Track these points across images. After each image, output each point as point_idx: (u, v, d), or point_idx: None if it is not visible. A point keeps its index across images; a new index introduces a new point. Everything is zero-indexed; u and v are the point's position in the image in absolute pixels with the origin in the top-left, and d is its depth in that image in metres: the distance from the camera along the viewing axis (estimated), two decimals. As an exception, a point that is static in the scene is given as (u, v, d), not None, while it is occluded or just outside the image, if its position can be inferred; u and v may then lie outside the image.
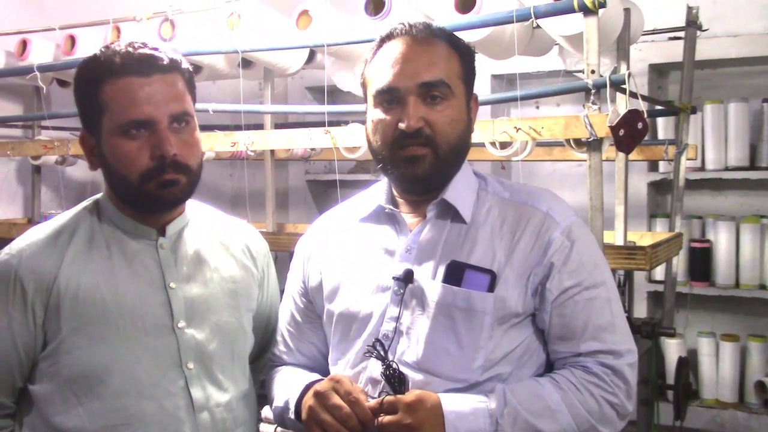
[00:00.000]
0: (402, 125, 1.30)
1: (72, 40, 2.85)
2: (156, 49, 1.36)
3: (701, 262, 3.30)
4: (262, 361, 1.59)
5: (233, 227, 1.57)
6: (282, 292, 1.60)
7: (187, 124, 1.36)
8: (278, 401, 1.43)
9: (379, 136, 1.34)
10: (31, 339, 1.32)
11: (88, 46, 2.82)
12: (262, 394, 1.57)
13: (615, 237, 2.08)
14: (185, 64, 1.40)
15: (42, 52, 2.95)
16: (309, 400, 1.32)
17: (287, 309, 1.54)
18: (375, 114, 1.35)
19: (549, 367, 1.37)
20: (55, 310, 1.32)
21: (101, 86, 1.32)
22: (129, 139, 1.32)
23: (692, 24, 2.70)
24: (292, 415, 1.38)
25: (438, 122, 1.31)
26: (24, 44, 2.95)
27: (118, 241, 1.39)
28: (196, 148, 1.38)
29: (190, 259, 1.43)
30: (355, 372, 1.36)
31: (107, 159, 1.35)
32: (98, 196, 1.45)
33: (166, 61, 1.35)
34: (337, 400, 1.27)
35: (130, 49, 1.34)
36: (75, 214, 1.43)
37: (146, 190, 1.33)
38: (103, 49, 1.36)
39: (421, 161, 1.31)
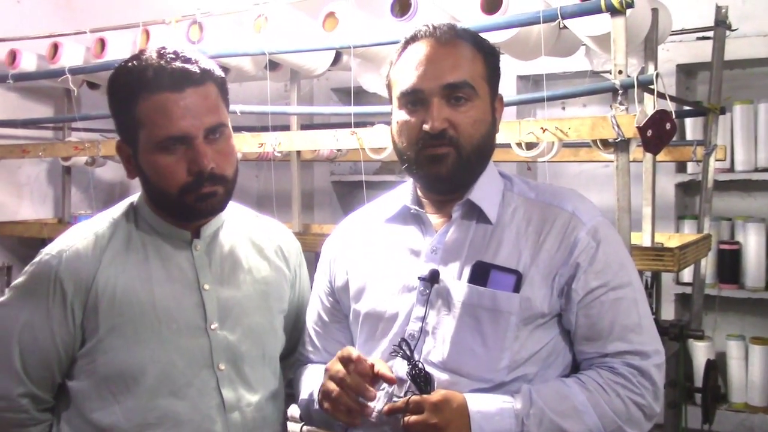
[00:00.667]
0: (426, 126, 1.31)
1: (102, 43, 2.89)
2: (188, 59, 1.35)
3: (730, 264, 3.26)
4: (291, 359, 1.60)
5: (267, 228, 1.59)
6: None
7: (222, 134, 1.37)
8: (304, 394, 1.45)
9: (404, 138, 1.35)
10: (70, 337, 1.36)
11: (118, 48, 2.86)
12: (290, 393, 1.58)
13: (642, 238, 2.07)
14: (217, 71, 1.40)
15: (73, 55, 2.99)
16: (325, 383, 1.34)
17: (314, 309, 1.55)
18: (400, 116, 1.36)
19: (575, 367, 1.37)
20: (93, 311, 1.35)
21: (136, 101, 1.33)
22: (166, 154, 1.33)
23: (721, 23, 2.66)
24: (316, 405, 1.39)
25: (462, 123, 1.32)
26: (55, 47, 3.00)
27: (154, 243, 1.41)
28: (232, 156, 1.40)
29: (224, 261, 1.46)
30: None
31: (145, 171, 1.38)
32: (134, 198, 1.48)
33: (198, 73, 1.34)
34: (338, 365, 1.29)
35: (163, 62, 1.33)
36: (112, 216, 1.46)
37: (185, 203, 1.36)
38: (135, 62, 1.35)
39: (444, 161, 1.32)
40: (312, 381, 1.45)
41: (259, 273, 1.50)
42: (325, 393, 1.31)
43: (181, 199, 1.36)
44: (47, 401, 1.40)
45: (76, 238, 1.41)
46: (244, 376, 1.43)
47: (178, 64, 1.33)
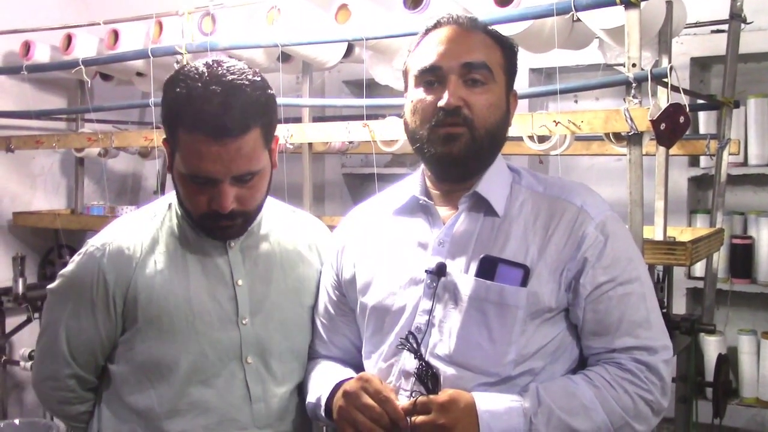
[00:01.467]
0: (441, 103, 1.31)
1: (115, 34, 2.90)
2: (232, 105, 1.31)
3: (743, 258, 3.24)
4: None
5: (302, 223, 1.63)
6: None
7: (251, 179, 1.37)
8: (311, 397, 1.45)
9: (418, 116, 1.35)
10: (111, 325, 1.44)
11: (131, 40, 2.88)
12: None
13: (654, 232, 2.06)
14: (264, 112, 1.36)
15: (86, 46, 3.01)
16: (339, 400, 1.34)
17: (321, 301, 1.55)
18: (416, 94, 1.36)
19: (582, 362, 1.37)
20: (133, 302, 1.42)
21: (177, 126, 1.34)
22: (193, 184, 1.37)
23: (736, 16, 2.64)
24: (323, 413, 1.40)
25: (477, 104, 1.32)
26: (69, 39, 3.01)
27: (191, 240, 1.46)
28: (259, 194, 1.42)
29: (258, 258, 1.50)
30: (387, 364, 1.36)
31: (176, 184, 1.42)
32: (173, 196, 1.50)
33: (239, 126, 1.31)
34: (367, 399, 1.28)
35: (207, 104, 1.30)
36: (154, 212, 1.51)
37: (205, 226, 1.43)
38: (183, 85, 1.32)
39: (457, 140, 1.32)
40: (319, 384, 1.45)
41: (292, 270, 1.54)
42: (349, 421, 1.30)
43: (202, 222, 1.42)
44: (91, 382, 1.50)
45: (120, 232, 1.47)
46: (271, 370, 1.47)
47: (217, 111, 1.29)
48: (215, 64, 1.35)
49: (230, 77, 1.34)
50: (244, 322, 1.45)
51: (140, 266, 1.43)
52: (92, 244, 1.46)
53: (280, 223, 1.57)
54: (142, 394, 1.43)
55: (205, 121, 1.30)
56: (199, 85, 1.32)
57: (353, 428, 1.29)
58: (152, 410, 1.42)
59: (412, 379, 1.30)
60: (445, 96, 1.30)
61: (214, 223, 1.40)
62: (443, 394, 1.25)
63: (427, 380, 1.27)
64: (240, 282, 1.46)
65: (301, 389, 1.52)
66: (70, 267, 1.48)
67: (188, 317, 1.42)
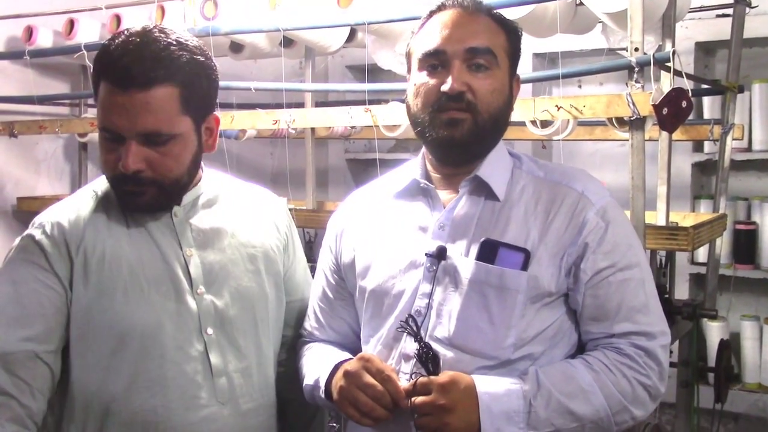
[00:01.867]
0: (445, 87, 1.30)
1: (118, 19, 2.89)
2: (146, 57, 1.29)
3: (746, 244, 3.24)
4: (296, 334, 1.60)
5: (251, 194, 1.59)
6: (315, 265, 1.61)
7: (163, 144, 1.33)
8: (308, 380, 1.45)
9: (420, 99, 1.35)
10: (59, 299, 1.35)
11: (134, 25, 2.86)
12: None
13: (657, 217, 2.06)
14: (185, 73, 1.33)
15: (89, 31, 3.00)
16: (339, 380, 1.33)
17: (319, 285, 1.55)
18: (419, 78, 1.36)
19: (580, 347, 1.37)
20: (82, 273, 1.35)
21: (98, 79, 1.33)
22: (105, 141, 1.35)
23: (741, 1, 2.63)
24: (322, 394, 1.39)
25: (480, 89, 1.32)
26: (71, 24, 3.00)
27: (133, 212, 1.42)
28: (173, 161, 1.36)
29: (206, 227, 1.46)
30: (387, 348, 1.37)
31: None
32: None
33: (147, 77, 1.29)
34: (369, 379, 1.28)
35: (120, 51, 1.30)
36: (93, 188, 1.47)
37: (117, 191, 1.39)
38: (108, 43, 1.33)
39: (460, 125, 1.32)
40: (317, 366, 1.44)
41: (244, 237, 1.49)
42: (350, 400, 1.30)
43: (114, 188, 1.39)
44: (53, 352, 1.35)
45: (58, 208, 1.43)
46: (234, 341, 1.42)
47: (126, 61, 1.29)
48: (156, 28, 1.34)
49: (158, 35, 1.33)
50: (199, 291, 1.40)
51: (87, 236, 1.37)
52: (31, 226, 1.41)
53: (228, 193, 1.53)
54: (95, 374, 1.34)
55: (115, 69, 1.29)
56: (122, 37, 1.32)
57: (354, 408, 1.29)
58: (106, 390, 1.34)
59: (412, 361, 1.31)
60: (449, 81, 1.30)
61: (122, 186, 1.35)
62: (443, 376, 1.25)
63: (427, 362, 1.27)
64: (189, 251, 1.41)
65: (266, 365, 1.49)
66: (9, 255, 1.40)
67: (143, 288, 1.36)
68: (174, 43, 1.33)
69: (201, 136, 1.41)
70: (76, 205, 1.43)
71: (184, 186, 1.42)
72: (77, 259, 1.36)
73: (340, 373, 1.35)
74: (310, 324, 1.55)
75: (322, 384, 1.39)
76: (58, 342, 1.35)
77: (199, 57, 1.37)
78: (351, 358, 1.39)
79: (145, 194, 1.36)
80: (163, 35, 1.34)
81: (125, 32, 1.34)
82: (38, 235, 1.37)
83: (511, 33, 1.39)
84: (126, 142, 1.31)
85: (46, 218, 1.40)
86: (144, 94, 1.29)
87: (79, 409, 1.37)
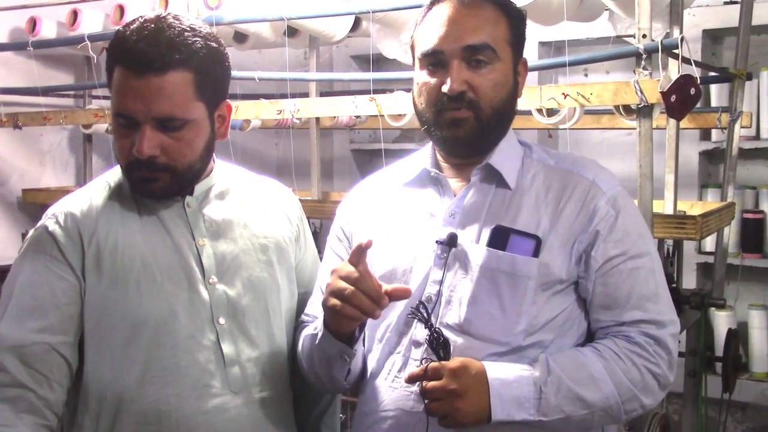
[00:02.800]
0: (445, 88, 1.30)
1: (121, 9, 2.88)
2: (162, 42, 1.30)
3: (754, 233, 3.23)
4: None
5: (263, 186, 1.59)
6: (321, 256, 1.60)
7: (177, 129, 1.33)
8: (307, 331, 1.42)
9: (423, 99, 1.35)
10: (72, 290, 1.35)
11: (137, 15, 2.85)
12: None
13: (664, 206, 2.05)
14: (200, 59, 1.33)
15: (92, 22, 2.99)
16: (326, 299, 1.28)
17: (327, 270, 1.53)
18: (421, 77, 1.36)
19: (589, 336, 1.37)
20: (95, 263, 1.35)
21: (113, 68, 1.34)
22: (120, 128, 1.35)
23: (749, -13, 2.60)
24: (320, 330, 1.34)
25: (481, 86, 1.31)
26: (75, 14, 2.99)
27: (146, 202, 1.42)
28: (187, 147, 1.36)
29: (218, 217, 1.46)
30: (397, 334, 1.36)
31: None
32: None
33: (158, 64, 1.29)
34: (349, 268, 1.24)
35: (137, 36, 1.31)
36: (106, 179, 1.47)
37: (130, 178, 1.38)
38: (124, 29, 1.35)
39: (463, 124, 1.31)
40: (317, 323, 1.41)
41: (256, 227, 1.49)
42: (335, 292, 1.25)
43: (128, 175, 1.38)
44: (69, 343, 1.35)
45: (70, 200, 1.43)
46: (246, 331, 1.42)
47: (142, 46, 1.30)
48: (171, 15, 1.35)
49: (172, 21, 1.33)
50: (211, 281, 1.40)
51: (100, 227, 1.37)
52: (43, 218, 1.40)
53: (240, 185, 1.53)
54: (108, 364, 1.34)
55: (130, 54, 1.30)
56: (137, 24, 1.33)
57: (340, 298, 1.24)
58: (119, 380, 1.34)
59: (423, 347, 1.31)
60: (448, 82, 1.30)
61: (136, 172, 1.35)
62: (454, 361, 1.25)
63: (438, 348, 1.27)
64: (201, 241, 1.41)
65: (279, 354, 1.47)
66: (22, 247, 1.40)
67: (156, 277, 1.36)
68: (188, 29, 1.34)
69: (214, 123, 1.41)
70: (89, 195, 1.43)
71: (197, 173, 1.42)
72: (90, 250, 1.36)
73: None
74: (313, 309, 1.52)
75: (320, 323, 1.35)
76: (73, 333, 1.35)
77: (212, 44, 1.37)
78: None
79: (159, 180, 1.35)
80: (177, 22, 1.35)
81: (140, 19, 1.35)
82: (51, 225, 1.37)
83: (514, 18, 1.36)
84: (141, 127, 1.31)
85: (59, 209, 1.40)
86: (159, 79, 1.30)
87: (93, 400, 1.37)
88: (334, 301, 1.25)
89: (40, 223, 1.41)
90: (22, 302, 1.33)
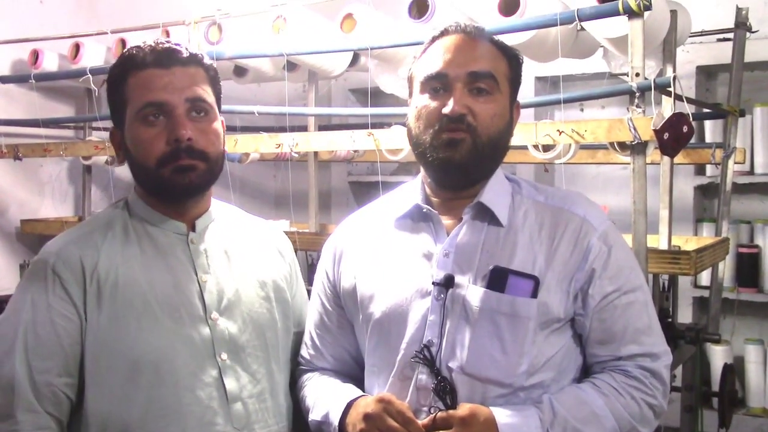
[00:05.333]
0: (446, 110, 1.32)
1: (123, 43, 2.92)
2: (178, 44, 1.44)
3: (749, 267, 3.24)
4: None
5: (258, 225, 1.62)
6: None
7: (206, 114, 1.41)
8: (315, 414, 1.42)
9: (422, 122, 1.36)
10: (73, 327, 1.34)
11: (139, 49, 2.89)
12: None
13: (659, 241, 2.06)
14: (208, 61, 1.46)
15: (94, 55, 3.03)
16: (359, 422, 1.31)
17: (315, 311, 1.53)
18: (421, 100, 1.37)
19: (585, 369, 1.38)
20: (96, 300, 1.35)
21: (126, 80, 1.40)
22: (147, 126, 1.38)
23: (741, 25, 2.65)
24: (334, 427, 1.36)
25: (481, 113, 1.33)
26: (77, 48, 3.03)
27: (149, 236, 1.43)
28: (215, 137, 1.42)
29: (219, 254, 1.47)
30: (401, 379, 1.35)
31: (129, 149, 1.41)
32: (129, 195, 1.50)
33: (185, 55, 1.41)
34: (391, 422, 1.27)
35: (153, 45, 1.41)
36: (106, 212, 1.48)
37: (163, 176, 1.38)
38: (129, 49, 1.43)
39: (459, 146, 1.32)
40: (325, 401, 1.41)
41: (254, 264, 1.51)
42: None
43: (159, 173, 1.38)
44: (72, 384, 1.35)
45: (72, 234, 1.44)
46: (247, 367, 1.42)
47: (167, 45, 1.42)
48: (157, 40, 1.46)
49: (171, 42, 1.45)
50: (212, 317, 1.40)
51: (101, 262, 1.37)
52: (42, 250, 1.40)
53: (237, 222, 1.56)
54: (109, 402, 1.33)
55: (156, 54, 1.39)
56: (145, 43, 1.43)
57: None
58: (121, 418, 1.32)
59: (429, 395, 1.30)
60: (450, 103, 1.31)
61: (174, 161, 1.36)
62: (463, 409, 1.25)
63: (445, 396, 1.27)
64: (204, 277, 1.42)
65: (279, 390, 1.48)
66: (22, 280, 1.40)
67: (157, 314, 1.36)
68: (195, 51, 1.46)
69: (221, 127, 1.47)
70: (90, 231, 1.43)
71: (216, 175, 1.45)
72: (91, 287, 1.35)
73: (358, 416, 1.32)
74: (308, 351, 1.53)
75: (335, 421, 1.36)
76: (76, 373, 1.35)
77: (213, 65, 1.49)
78: (363, 395, 1.38)
79: (197, 169, 1.39)
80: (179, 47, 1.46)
81: (134, 47, 1.44)
82: (53, 260, 1.37)
83: (512, 60, 1.40)
84: (173, 115, 1.37)
85: (61, 244, 1.41)
86: (185, 69, 1.40)
87: None
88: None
89: (39, 256, 1.40)
90: (27, 342, 1.33)
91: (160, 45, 1.41)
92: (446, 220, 1.40)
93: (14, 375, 1.30)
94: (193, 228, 1.46)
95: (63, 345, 1.33)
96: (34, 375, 1.31)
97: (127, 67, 1.40)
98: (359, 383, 1.45)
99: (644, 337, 1.33)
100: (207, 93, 1.42)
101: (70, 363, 1.34)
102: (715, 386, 2.60)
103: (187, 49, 1.43)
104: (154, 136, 1.37)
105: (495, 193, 1.38)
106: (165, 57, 1.39)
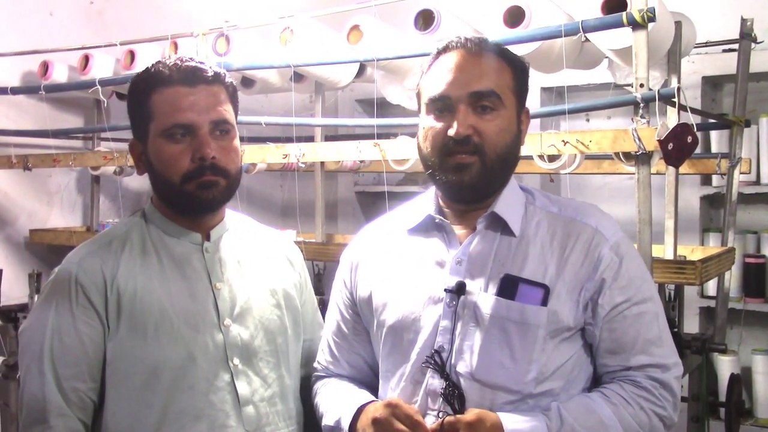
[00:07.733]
0: (451, 132, 1.33)
1: (132, 55, 2.95)
2: (202, 62, 1.47)
3: (756, 277, 3.23)
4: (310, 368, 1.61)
5: (270, 235, 1.66)
6: (326, 300, 1.63)
7: (227, 133, 1.45)
8: (328, 420, 1.45)
9: (429, 143, 1.37)
10: (96, 334, 1.39)
11: (147, 60, 2.89)
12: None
13: (665, 251, 2.06)
14: (229, 79, 1.50)
15: (103, 66, 3.06)
16: (368, 428, 1.33)
17: (333, 319, 1.55)
18: (427, 121, 1.38)
19: (595, 379, 1.39)
20: (116, 309, 1.40)
21: (150, 95, 1.43)
22: (173, 143, 1.41)
23: (746, 36, 2.66)
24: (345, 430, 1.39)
25: (487, 131, 1.33)
26: (86, 59, 3.06)
27: (166, 246, 1.48)
28: (235, 155, 1.47)
29: (233, 262, 1.52)
30: (412, 384, 1.37)
31: (152, 162, 1.45)
32: (145, 206, 1.54)
33: (210, 74, 1.45)
34: (399, 426, 1.28)
35: (179, 62, 1.45)
36: (124, 223, 1.53)
37: (187, 191, 1.42)
38: (154, 65, 1.46)
39: (468, 169, 1.34)
40: (338, 406, 1.44)
41: (266, 272, 1.56)
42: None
43: (183, 188, 1.42)
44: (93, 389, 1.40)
45: (91, 246, 1.48)
46: (259, 371, 1.47)
47: (192, 63, 1.45)
48: (180, 56, 1.49)
49: (195, 59, 1.49)
50: (226, 323, 1.45)
51: (120, 273, 1.42)
52: (64, 262, 1.45)
53: (250, 232, 1.61)
54: (127, 407, 1.38)
55: (182, 72, 1.43)
56: (170, 59, 1.47)
57: None
58: (138, 423, 1.38)
59: (439, 400, 1.32)
60: (454, 125, 1.32)
61: (198, 178, 1.41)
62: (470, 414, 1.26)
63: (453, 401, 1.28)
64: (218, 285, 1.47)
65: (289, 394, 1.52)
66: (44, 291, 1.45)
67: (173, 322, 1.41)
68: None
69: (239, 144, 1.51)
70: (109, 241, 1.48)
71: (235, 189, 1.49)
72: (111, 296, 1.41)
73: (367, 420, 1.34)
74: (324, 358, 1.56)
75: (345, 426, 1.39)
76: (100, 378, 1.41)
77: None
78: (374, 400, 1.39)
79: (218, 185, 1.43)
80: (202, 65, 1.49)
81: (162, 60, 1.48)
82: (75, 270, 1.42)
83: (518, 69, 1.40)
84: (198, 135, 1.41)
85: (82, 254, 1.45)
86: (210, 88, 1.44)
87: None
88: None
89: (62, 267, 1.45)
90: (54, 350, 1.38)
91: (186, 63, 1.44)
92: (459, 230, 1.42)
93: (44, 382, 1.37)
94: (207, 237, 1.51)
95: (87, 352, 1.39)
96: (61, 381, 1.37)
97: (152, 83, 1.43)
98: (374, 390, 1.47)
99: (654, 348, 1.33)
100: (229, 113, 1.46)
101: (94, 369, 1.40)
102: (722, 396, 2.60)
103: (211, 67, 1.46)
104: (179, 152, 1.41)
105: (508, 203, 1.39)
106: (191, 75, 1.43)
